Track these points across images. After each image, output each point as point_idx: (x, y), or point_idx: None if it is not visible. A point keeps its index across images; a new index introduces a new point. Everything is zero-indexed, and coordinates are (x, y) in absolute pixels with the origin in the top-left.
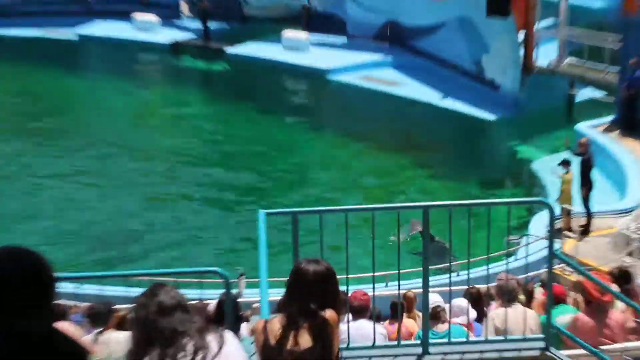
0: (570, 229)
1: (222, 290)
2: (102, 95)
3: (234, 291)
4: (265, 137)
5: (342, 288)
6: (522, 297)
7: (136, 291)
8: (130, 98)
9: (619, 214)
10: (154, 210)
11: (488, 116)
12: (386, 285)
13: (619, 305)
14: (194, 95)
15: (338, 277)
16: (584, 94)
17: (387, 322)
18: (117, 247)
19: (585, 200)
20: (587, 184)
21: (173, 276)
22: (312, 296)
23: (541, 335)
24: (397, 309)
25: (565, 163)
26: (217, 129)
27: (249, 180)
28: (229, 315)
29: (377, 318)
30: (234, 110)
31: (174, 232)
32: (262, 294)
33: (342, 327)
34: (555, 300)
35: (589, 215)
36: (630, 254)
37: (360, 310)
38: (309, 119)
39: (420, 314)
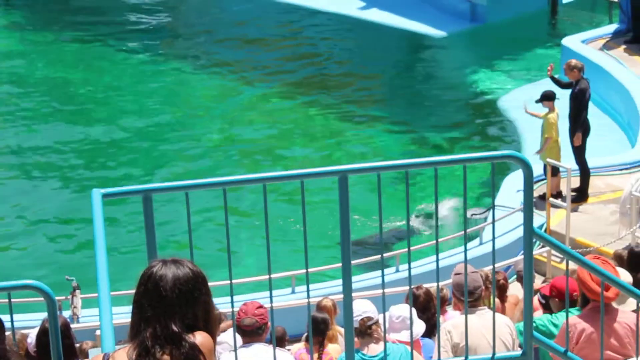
0: (558, 195)
1: (46, 314)
2: None
3: (65, 313)
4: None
5: (223, 300)
6: (491, 297)
7: None
8: None
9: (629, 169)
10: None
11: (433, 32)
12: (293, 292)
13: (631, 302)
14: None
15: (216, 283)
16: None
17: (300, 344)
18: None
19: (579, 151)
20: (580, 128)
21: None
22: (173, 313)
23: (518, 353)
24: (316, 326)
25: (548, 97)
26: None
27: (81, 148)
28: (56, 349)
29: (279, 341)
30: (36, 40)
31: None
32: (103, 315)
33: (226, 357)
34: (559, 297)
35: (585, 173)
36: None
37: (254, 331)
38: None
39: (343, 331)
